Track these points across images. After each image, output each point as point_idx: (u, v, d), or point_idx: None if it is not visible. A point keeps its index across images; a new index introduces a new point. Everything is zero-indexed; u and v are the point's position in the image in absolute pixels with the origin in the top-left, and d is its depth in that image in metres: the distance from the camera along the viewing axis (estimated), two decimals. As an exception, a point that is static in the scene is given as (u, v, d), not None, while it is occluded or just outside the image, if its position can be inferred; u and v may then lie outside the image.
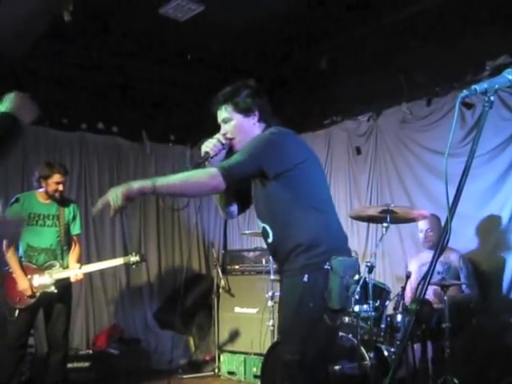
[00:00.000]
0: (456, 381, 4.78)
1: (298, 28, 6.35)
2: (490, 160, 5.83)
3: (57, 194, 5.41)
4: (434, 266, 1.72)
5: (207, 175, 2.87)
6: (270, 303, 5.83)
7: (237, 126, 3.16)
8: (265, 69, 7.19)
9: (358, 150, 7.04)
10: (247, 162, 2.94)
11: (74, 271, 5.40)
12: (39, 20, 5.15)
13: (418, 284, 4.95)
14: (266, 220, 3.10)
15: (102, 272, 7.27)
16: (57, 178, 5.35)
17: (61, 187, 5.40)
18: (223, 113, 3.20)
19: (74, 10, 4.87)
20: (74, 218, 5.63)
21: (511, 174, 5.68)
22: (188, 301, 7.51)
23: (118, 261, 5.72)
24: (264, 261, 6.68)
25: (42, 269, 5.31)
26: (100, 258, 6.88)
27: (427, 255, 5.65)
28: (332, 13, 6.01)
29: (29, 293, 5.18)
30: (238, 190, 3.26)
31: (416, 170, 6.44)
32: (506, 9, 5.44)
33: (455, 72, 5.93)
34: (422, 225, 5.61)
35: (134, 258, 5.56)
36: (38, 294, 5.23)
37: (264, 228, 3.10)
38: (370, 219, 5.35)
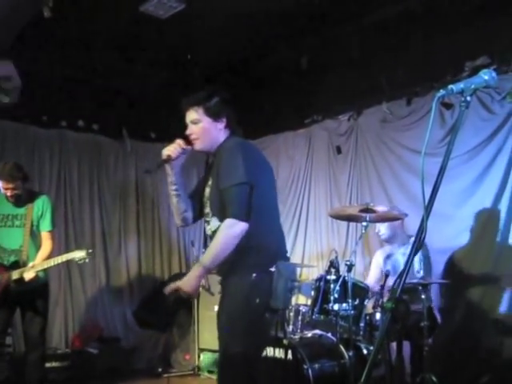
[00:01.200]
0: (434, 378, 4.83)
1: (279, 27, 6.36)
2: (469, 160, 5.89)
3: (11, 199, 5.23)
4: (410, 264, 1.72)
5: (232, 232, 3.08)
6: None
7: (204, 129, 3.35)
8: (246, 67, 7.20)
9: (339, 150, 7.06)
10: (243, 192, 3.13)
11: (27, 272, 5.09)
12: (20, 14, 5.11)
13: (394, 282, 4.96)
14: (222, 220, 3.20)
15: (80, 271, 7.23)
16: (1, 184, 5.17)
17: (9, 193, 5.18)
18: (193, 114, 3.37)
19: (54, 7, 4.83)
20: (43, 214, 5.33)
21: (489, 174, 5.73)
22: (168, 300, 7.46)
23: (66, 256, 5.20)
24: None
25: (10, 269, 5.15)
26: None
27: (390, 247, 5.72)
28: (313, 12, 6.03)
29: None
30: (194, 196, 3.56)
31: (396, 169, 6.47)
32: (486, 11, 5.49)
33: (435, 72, 5.97)
34: None
35: (79, 254, 5.14)
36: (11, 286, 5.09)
37: (219, 226, 3.22)
38: (349, 218, 5.38)
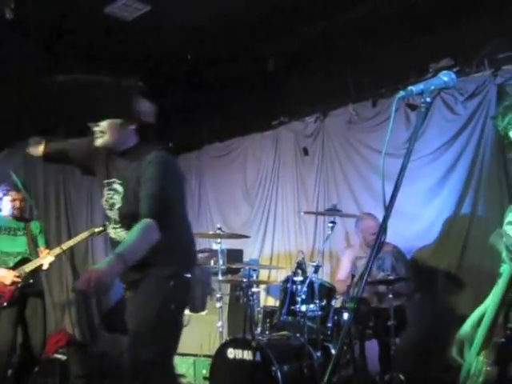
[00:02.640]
0: (402, 377, 4.88)
1: (246, 29, 6.35)
2: (434, 160, 5.97)
3: (16, 211, 5.57)
4: (372, 264, 1.73)
5: (153, 232, 3.01)
6: (218, 304, 5.80)
7: (113, 128, 3.31)
8: (213, 69, 7.18)
9: (306, 151, 7.08)
10: (162, 203, 3.12)
11: (44, 258, 5.45)
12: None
13: (356, 283, 5.02)
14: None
15: (47, 276, 7.14)
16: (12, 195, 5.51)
17: (18, 204, 5.56)
18: None
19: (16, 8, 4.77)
20: (41, 231, 5.75)
21: (454, 174, 5.82)
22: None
23: (84, 234, 5.70)
24: (212, 262, 6.65)
25: (13, 269, 5.36)
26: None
27: (359, 248, 5.77)
28: (279, 14, 6.03)
29: (9, 281, 5.23)
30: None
31: (362, 170, 6.52)
32: (450, 14, 5.56)
33: (400, 74, 6.02)
34: None
35: (97, 229, 5.60)
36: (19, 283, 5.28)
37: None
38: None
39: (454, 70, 5.64)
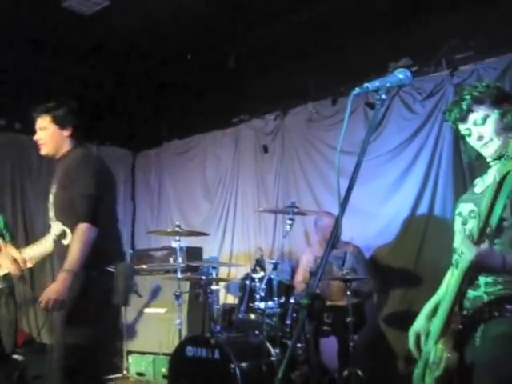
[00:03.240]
0: (360, 373, 4.91)
1: (207, 26, 6.33)
2: (392, 158, 6.04)
3: None
4: (326, 261, 1.73)
5: (89, 235, 3.36)
6: (177, 302, 5.77)
7: (50, 135, 3.64)
8: (173, 66, 7.14)
9: (265, 149, 7.10)
10: (93, 202, 3.42)
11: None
12: None
13: (309, 279, 5.06)
14: (67, 224, 3.51)
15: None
16: None
17: None
18: (41, 121, 3.67)
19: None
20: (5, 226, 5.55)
21: (412, 171, 5.89)
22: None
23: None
24: (172, 260, 6.61)
25: None
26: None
27: (318, 247, 5.81)
28: (240, 12, 6.03)
29: None
30: None
31: (321, 168, 6.55)
32: (410, 14, 5.62)
33: (359, 72, 6.05)
34: None
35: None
36: None
37: (63, 230, 3.52)
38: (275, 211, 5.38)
39: (413, 69, 5.72)
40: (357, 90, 2.02)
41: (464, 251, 2.18)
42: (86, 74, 7.27)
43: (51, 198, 3.65)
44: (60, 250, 3.60)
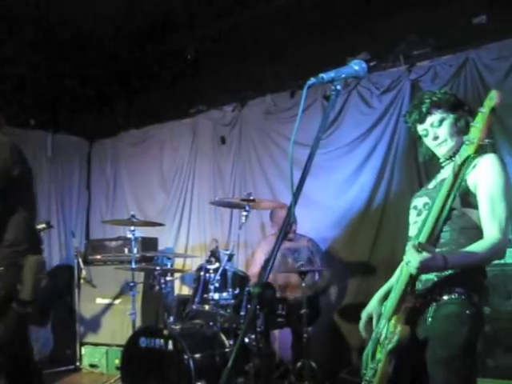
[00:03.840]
0: (313, 364, 4.95)
1: (168, 15, 6.26)
2: (349, 152, 6.08)
3: None
4: (278, 249, 1.72)
5: None
6: (131, 293, 5.72)
7: None
8: (130, 54, 7.05)
9: (223, 140, 7.08)
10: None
11: None
12: None
13: (262, 268, 5.06)
14: None
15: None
16: None
17: None
18: None
19: None
20: None
21: (367, 165, 5.95)
22: (46, 293, 7.20)
23: None
24: (126, 250, 6.56)
25: None
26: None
27: (274, 240, 5.82)
28: (199, 2, 5.98)
29: None
30: None
31: (278, 160, 6.56)
32: (370, 11, 5.65)
33: (318, 66, 6.06)
34: None
35: (40, 226, 5.21)
36: None
37: None
38: (231, 205, 5.35)
39: (371, 64, 5.76)
40: (312, 80, 2.04)
41: (410, 260, 2.32)
42: (41, 62, 7.12)
43: None
44: None
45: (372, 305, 2.83)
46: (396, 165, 5.71)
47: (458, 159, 2.29)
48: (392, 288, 2.67)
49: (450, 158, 2.67)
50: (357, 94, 6.05)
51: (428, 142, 2.73)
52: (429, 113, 2.65)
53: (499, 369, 4.07)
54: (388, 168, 5.76)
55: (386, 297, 2.74)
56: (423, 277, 2.51)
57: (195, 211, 7.30)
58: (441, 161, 2.76)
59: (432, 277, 2.51)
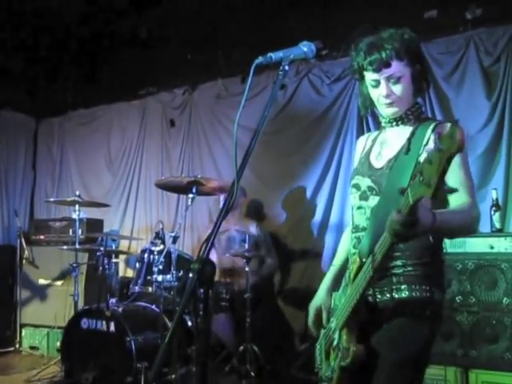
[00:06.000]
0: (256, 348, 4.99)
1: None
2: (298, 138, 6.10)
3: None
4: (219, 227, 1.72)
5: None
6: (74, 274, 5.64)
7: None
8: (82, 34, 6.93)
9: (172, 123, 7.03)
10: None
11: None
12: None
13: (201, 245, 5.03)
14: None
15: None
16: None
17: None
18: None
19: None
20: None
21: (316, 152, 5.99)
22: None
23: None
24: (71, 231, 6.46)
25: None
26: None
27: (224, 223, 5.81)
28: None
29: None
30: None
31: (227, 145, 6.54)
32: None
33: (270, 51, 6.07)
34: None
35: None
36: None
37: None
38: (177, 190, 5.30)
39: (323, 52, 5.80)
40: (260, 59, 2.04)
41: (394, 226, 1.90)
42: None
43: None
44: None
45: (320, 297, 2.56)
46: (345, 151, 5.75)
47: (411, 198, 1.79)
48: (339, 278, 2.50)
49: (395, 120, 2.35)
50: (308, 82, 6.07)
51: (374, 94, 2.35)
52: (388, 63, 2.26)
53: (481, 359, 4.08)
54: (336, 155, 5.80)
55: (332, 286, 2.55)
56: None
57: (142, 193, 7.23)
58: (383, 121, 2.42)
59: (391, 270, 2.26)
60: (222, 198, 5.74)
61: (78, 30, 6.91)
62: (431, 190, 1.72)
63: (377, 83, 2.32)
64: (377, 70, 2.28)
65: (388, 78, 2.28)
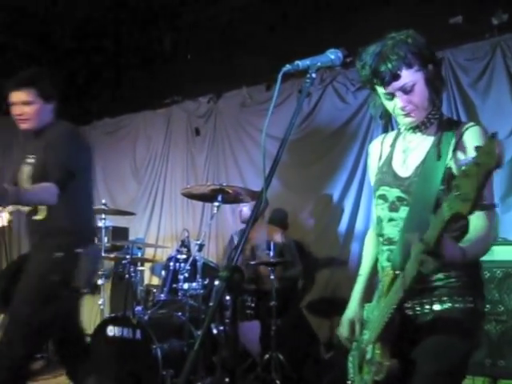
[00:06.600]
0: (281, 357, 4.95)
1: (143, 5, 6.22)
2: (323, 146, 6.09)
3: None
4: (248, 235, 1.72)
5: (51, 193, 3.15)
6: (100, 282, 5.67)
7: (37, 111, 3.43)
8: (108, 43, 7.00)
9: (197, 131, 7.06)
10: (65, 174, 3.27)
11: None
12: None
13: (230, 253, 5.04)
14: None
15: None
16: None
17: None
18: (24, 95, 3.41)
19: None
20: None
21: (341, 160, 5.96)
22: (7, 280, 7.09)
23: None
24: (96, 239, 6.45)
25: None
26: None
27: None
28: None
29: None
30: None
31: (252, 153, 6.56)
32: (347, 5, 5.67)
33: (295, 60, 6.07)
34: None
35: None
36: None
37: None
38: (202, 198, 5.32)
39: (348, 60, 5.76)
40: (287, 67, 2.02)
41: (424, 259, 1.85)
42: (15, 48, 7.03)
43: (27, 170, 3.45)
44: (31, 225, 3.50)
45: (352, 310, 2.51)
46: (369, 160, 5.72)
47: (446, 213, 1.71)
48: (368, 287, 2.47)
49: (417, 127, 2.27)
50: (332, 90, 6.06)
51: (390, 106, 2.25)
52: (397, 75, 2.14)
53: (510, 369, 3.99)
54: (361, 163, 5.76)
55: (363, 296, 2.51)
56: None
57: (167, 201, 7.28)
58: (403, 128, 2.35)
59: (433, 282, 2.18)
60: (241, 208, 5.74)
61: (103, 41, 6.97)
62: (469, 205, 1.62)
63: (390, 96, 2.21)
64: (387, 84, 2.17)
65: (401, 89, 2.16)
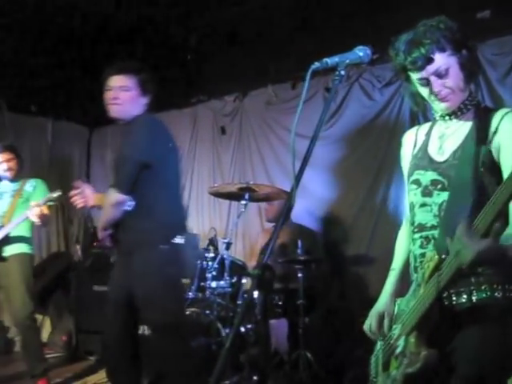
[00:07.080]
0: (309, 355, 4.95)
1: (167, 4, 6.23)
2: (350, 144, 6.07)
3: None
4: (277, 233, 1.72)
5: (111, 200, 3.30)
6: (129, 281, 5.70)
7: (131, 98, 3.47)
8: (132, 41, 7.02)
9: (223, 130, 7.08)
10: (133, 168, 3.32)
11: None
12: None
13: (261, 251, 5.05)
14: None
15: None
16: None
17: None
18: (125, 81, 3.47)
19: None
20: (36, 188, 5.32)
21: (368, 158, 5.92)
22: (44, 279, 7.20)
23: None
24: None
25: None
26: None
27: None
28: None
29: None
30: None
31: (278, 151, 6.55)
32: (373, 2, 5.64)
33: (320, 58, 6.04)
34: None
35: (55, 195, 5.16)
36: None
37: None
38: (229, 196, 5.34)
39: (374, 57, 5.72)
40: (316, 64, 2.02)
41: (462, 249, 1.87)
42: (44, 49, 7.09)
43: (113, 163, 3.57)
44: (120, 226, 3.50)
45: (383, 303, 2.44)
46: (396, 158, 5.68)
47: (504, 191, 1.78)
48: (401, 281, 2.43)
49: (454, 113, 2.24)
50: (358, 87, 6.04)
51: (425, 92, 2.24)
52: (430, 58, 2.14)
53: None
54: (388, 161, 5.71)
55: (395, 291, 2.45)
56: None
57: (194, 200, 7.30)
58: (437, 115, 2.33)
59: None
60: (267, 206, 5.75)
61: (130, 40, 7.00)
62: None
63: (425, 81, 2.20)
64: (421, 69, 2.17)
65: (435, 74, 2.16)
